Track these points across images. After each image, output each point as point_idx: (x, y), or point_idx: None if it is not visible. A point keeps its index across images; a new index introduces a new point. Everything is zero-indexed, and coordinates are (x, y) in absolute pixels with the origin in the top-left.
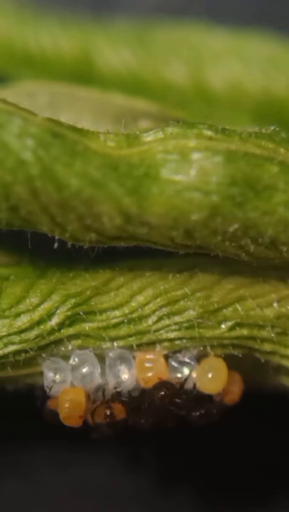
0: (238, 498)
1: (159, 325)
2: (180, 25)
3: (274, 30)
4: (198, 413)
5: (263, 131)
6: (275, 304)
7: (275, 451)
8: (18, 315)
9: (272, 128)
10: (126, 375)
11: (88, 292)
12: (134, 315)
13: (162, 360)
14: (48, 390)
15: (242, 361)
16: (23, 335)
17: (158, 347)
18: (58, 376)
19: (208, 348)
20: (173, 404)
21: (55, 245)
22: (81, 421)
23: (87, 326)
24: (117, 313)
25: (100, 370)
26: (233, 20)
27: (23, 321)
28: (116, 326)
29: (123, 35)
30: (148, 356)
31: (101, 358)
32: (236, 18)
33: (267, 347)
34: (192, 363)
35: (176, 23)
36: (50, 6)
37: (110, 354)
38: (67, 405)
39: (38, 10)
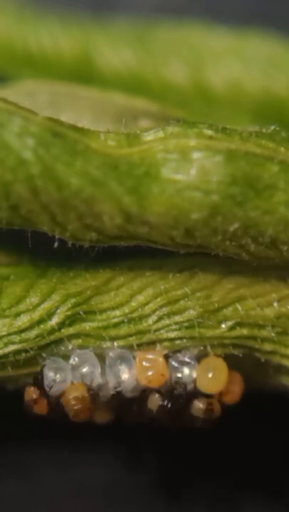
0: (238, 498)
1: (160, 324)
2: (180, 25)
3: (274, 30)
4: (199, 416)
5: (264, 130)
6: (275, 304)
7: (275, 451)
8: (18, 314)
9: (272, 127)
10: (126, 375)
11: (88, 292)
12: (135, 314)
13: (162, 359)
14: (48, 390)
15: (242, 361)
16: (23, 334)
17: (158, 347)
18: (58, 376)
19: (209, 348)
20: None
21: (56, 244)
22: (89, 414)
23: (87, 326)
24: (118, 312)
25: (100, 369)
26: (233, 20)
27: (24, 320)
28: (116, 325)
29: (123, 35)
30: (148, 356)
31: (101, 358)
32: (236, 18)
33: (267, 347)
34: (192, 362)
35: (176, 23)
36: (51, 5)
37: (110, 354)
38: (73, 402)
39: (38, 10)
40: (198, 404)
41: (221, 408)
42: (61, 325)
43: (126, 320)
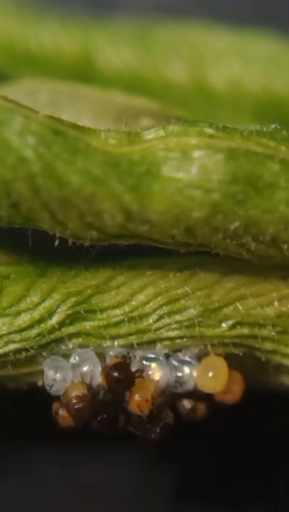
0: (238, 497)
1: (160, 324)
2: (181, 24)
3: (274, 29)
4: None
5: (264, 129)
6: (275, 303)
7: (275, 451)
8: (18, 313)
9: (273, 126)
10: None
11: (89, 291)
12: (135, 314)
13: (162, 359)
14: (48, 389)
15: (243, 360)
16: (23, 333)
17: (158, 346)
18: (58, 375)
19: (209, 347)
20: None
21: (56, 243)
22: (90, 413)
23: (87, 325)
24: (118, 311)
25: (100, 368)
26: (233, 20)
27: (24, 319)
28: (117, 324)
29: (124, 34)
30: (149, 355)
31: (102, 357)
32: (237, 17)
33: (268, 346)
34: (193, 361)
35: (177, 22)
36: (51, 5)
37: (111, 353)
38: (74, 401)
39: (38, 9)
40: (186, 404)
41: (205, 411)
42: (61, 324)
43: (126, 319)
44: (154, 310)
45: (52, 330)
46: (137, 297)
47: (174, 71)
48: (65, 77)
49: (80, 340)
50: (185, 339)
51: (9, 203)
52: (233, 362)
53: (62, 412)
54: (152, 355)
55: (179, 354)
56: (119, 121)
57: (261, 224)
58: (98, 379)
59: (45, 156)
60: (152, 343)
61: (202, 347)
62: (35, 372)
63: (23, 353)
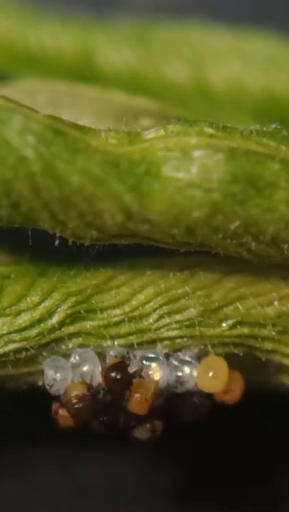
0: (238, 498)
1: (160, 323)
2: (181, 24)
3: (274, 29)
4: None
5: (264, 129)
6: (275, 303)
7: (275, 451)
8: (18, 313)
9: (273, 126)
10: None
11: (89, 290)
12: (135, 313)
13: (162, 358)
14: (48, 388)
15: (243, 360)
16: (23, 333)
17: (159, 345)
18: (58, 374)
19: (209, 347)
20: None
21: (56, 243)
22: (90, 413)
23: (87, 325)
24: (118, 311)
25: (100, 368)
26: (233, 19)
27: (24, 319)
28: (117, 324)
29: (124, 34)
30: (149, 355)
31: (102, 357)
32: (237, 17)
33: (268, 345)
34: (193, 361)
35: (177, 22)
36: (51, 5)
37: (111, 352)
38: (74, 401)
39: (38, 9)
40: (186, 403)
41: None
42: (62, 323)
43: (126, 319)
44: (154, 310)
45: (52, 329)
46: (137, 297)
47: (174, 71)
48: (65, 77)
49: (80, 339)
50: (185, 339)
51: (9, 202)
52: (233, 362)
53: (62, 411)
54: (152, 355)
55: (179, 354)
56: (119, 121)
57: (261, 223)
58: (98, 379)
59: (45, 155)
60: (152, 342)
61: (202, 347)
62: (35, 371)
63: (23, 353)
